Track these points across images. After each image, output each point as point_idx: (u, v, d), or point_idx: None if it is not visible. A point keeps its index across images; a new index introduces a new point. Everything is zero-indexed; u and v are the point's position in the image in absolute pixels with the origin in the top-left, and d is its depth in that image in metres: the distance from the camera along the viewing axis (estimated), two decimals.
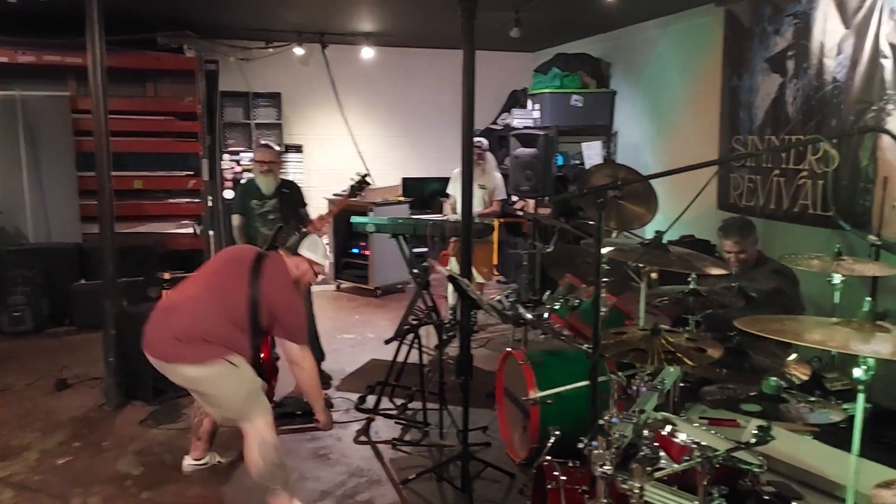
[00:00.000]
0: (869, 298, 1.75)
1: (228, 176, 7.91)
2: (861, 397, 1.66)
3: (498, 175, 6.58)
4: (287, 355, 3.24)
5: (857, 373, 1.62)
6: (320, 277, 3.57)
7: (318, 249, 3.47)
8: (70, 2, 4.46)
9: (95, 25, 4.34)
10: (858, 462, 1.68)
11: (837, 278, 2.97)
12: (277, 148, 5.09)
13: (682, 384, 2.90)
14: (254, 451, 3.06)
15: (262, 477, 3.07)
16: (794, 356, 2.88)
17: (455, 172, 6.32)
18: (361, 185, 4.95)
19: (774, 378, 1.92)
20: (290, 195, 5.07)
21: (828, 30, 4.76)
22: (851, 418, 2.62)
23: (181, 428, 4.25)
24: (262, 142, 5.21)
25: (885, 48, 4.29)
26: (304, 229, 4.96)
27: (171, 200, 7.20)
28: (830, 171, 4.70)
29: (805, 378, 2.72)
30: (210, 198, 7.42)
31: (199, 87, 7.10)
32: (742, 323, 1.84)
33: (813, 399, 2.00)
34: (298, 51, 7.80)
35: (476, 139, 6.76)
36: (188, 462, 3.72)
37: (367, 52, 8.16)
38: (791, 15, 5.09)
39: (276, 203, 4.92)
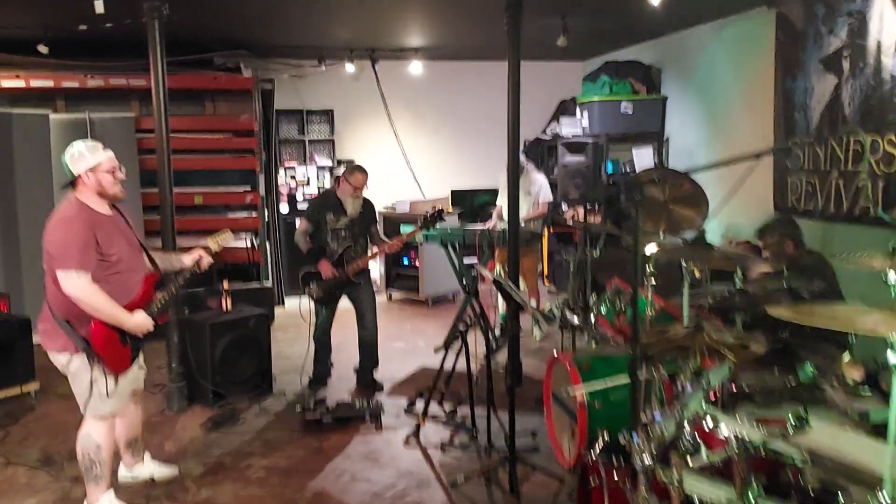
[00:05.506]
0: None
1: (284, 191, 8.14)
2: (895, 380, 1.62)
3: (540, 177, 6.59)
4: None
5: (892, 357, 1.58)
6: (121, 173, 3.24)
7: (82, 154, 3.14)
8: (132, 26, 4.71)
9: (157, 48, 4.56)
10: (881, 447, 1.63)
11: (893, 277, 2.87)
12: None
13: (734, 391, 2.86)
14: (79, 440, 3.28)
15: (80, 464, 3.30)
16: (847, 358, 2.81)
17: (501, 180, 6.32)
18: (434, 219, 4.97)
19: (810, 367, 1.88)
20: (365, 213, 5.15)
21: (885, 27, 4.64)
22: None
23: (239, 431, 4.40)
24: (356, 164, 5.26)
25: None
26: (375, 249, 5.10)
27: (230, 215, 7.44)
28: (865, 168, 4.56)
29: (858, 379, 2.65)
30: (266, 211, 7.65)
31: (255, 104, 7.34)
32: (785, 312, 1.81)
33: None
34: (350, 67, 7.99)
35: None
36: (121, 472, 3.73)
37: (416, 67, 8.29)
38: (846, 14, 4.97)
39: (348, 221, 5.05)
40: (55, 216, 3.12)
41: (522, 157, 6.79)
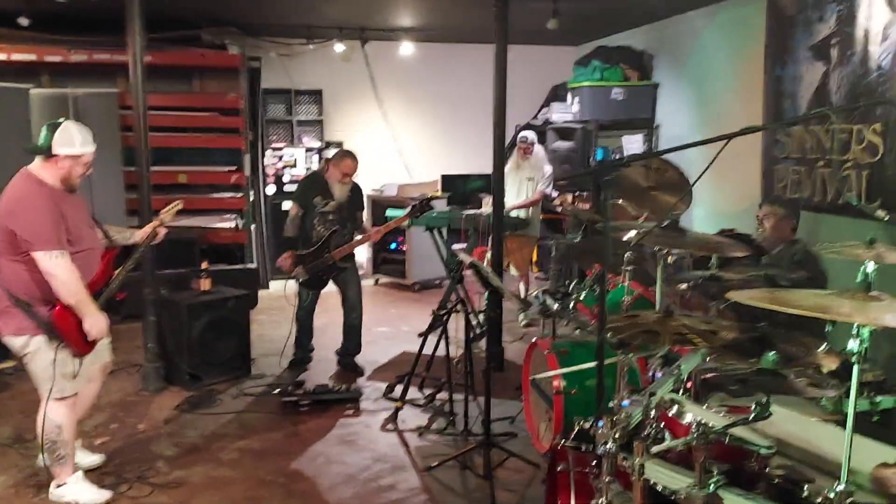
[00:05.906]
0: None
1: (270, 171, 8.05)
2: (856, 369, 1.59)
3: (548, 167, 6.54)
4: (40, 270, 2.98)
5: (851, 344, 1.55)
6: (90, 169, 3.18)
7: (73, 140, 3.07)
8: (118, 1, 4.61)
9: (136, 22, 4.48)
10: (853, 439, 1.60)
11: (870, 267, 2.84)
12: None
13: (707, 377, 2.83)
14: (39, 422, 3.19)
15: (44, 446, 3.21)
16: (824, 347, 2.78)
17: (507, 168, 6.16)
18: (423, 208, 4.94)
19: (773, 353, 1.86)
20: (353, 198, 5.08)
21: (873, 15, 4.59)
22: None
23: (215, 413, 4.36)
24: (346, 149, 5.17)
25: None
26: (359, 237, 5.05)
27: (214, 195, 7.32)
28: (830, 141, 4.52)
29: (833, 367, 2.62)
30: (252, 193, 7.57)
31: (242, 83, 7.23)
32: (745, 297, 1.77)
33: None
34: (339, 47, 7.88)
35: (523, 133, 6.74)
36: None
37: (407, 48, 8.18)
38: (835, 1, 4.92)
39: (336, 205, 4.97)
40: (16, 194, 3.03)
41: (532, 135, 6.71)
